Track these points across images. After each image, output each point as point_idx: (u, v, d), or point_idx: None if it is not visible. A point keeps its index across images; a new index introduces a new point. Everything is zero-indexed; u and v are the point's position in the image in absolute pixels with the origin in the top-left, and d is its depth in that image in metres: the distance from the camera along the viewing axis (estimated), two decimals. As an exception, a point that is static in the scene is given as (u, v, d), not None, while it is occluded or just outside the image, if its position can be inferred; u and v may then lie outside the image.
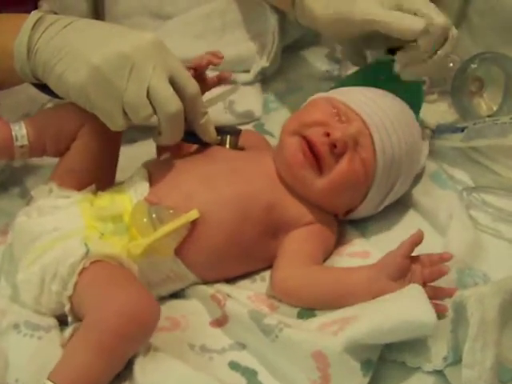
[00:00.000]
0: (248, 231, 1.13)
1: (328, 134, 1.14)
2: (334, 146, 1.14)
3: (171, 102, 1.08)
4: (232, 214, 1.12)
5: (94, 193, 1.12)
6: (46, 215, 1.09)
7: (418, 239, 1.07)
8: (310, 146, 1.15)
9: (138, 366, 0.97)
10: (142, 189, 1.13)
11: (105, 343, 0.94)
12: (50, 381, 0.92)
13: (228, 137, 1.22)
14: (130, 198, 1.11)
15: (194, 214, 1.09)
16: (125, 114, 1.08)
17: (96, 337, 0.95)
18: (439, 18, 1.20)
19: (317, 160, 1.15)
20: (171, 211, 1.08)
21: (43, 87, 1.15)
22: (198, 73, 1.27)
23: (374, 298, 1.04)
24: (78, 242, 1.04)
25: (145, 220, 1.06)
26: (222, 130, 1.21)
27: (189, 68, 1.21)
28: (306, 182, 1.16)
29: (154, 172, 1.16)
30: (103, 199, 1.11)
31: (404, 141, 1.19)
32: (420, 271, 1.06)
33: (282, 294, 1.12)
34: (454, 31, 1.24)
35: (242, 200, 1.13)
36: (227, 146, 1.21)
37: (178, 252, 1.10)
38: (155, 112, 1.08)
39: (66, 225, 1.07)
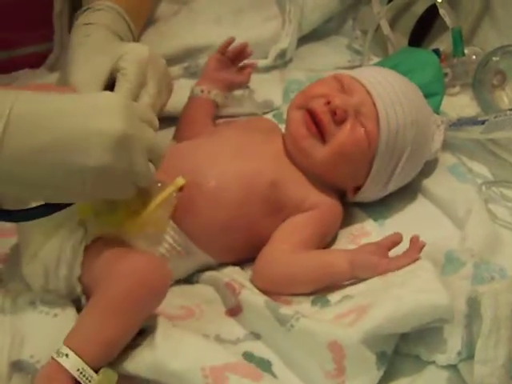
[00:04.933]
0: (252, 207, 1.15)
1: (329, 103, 1.17)
2: (334, 113, 1.17)
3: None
4: (235, 188, 1.14)
5: None
6: None
7: (397, 240, 1.10)
8: (313, 117, 1.18)
9: (160, 333, 0.98)
10: None
11: (117, 306, 0.95)
12: (66, 346, 0.93)
13: None
14: None
15: (179, 182, 1.09)
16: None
17: (108, 300, 0.96)
18: None
19: (319, 129, 1.18)
20: (159, 184, 1.07)
21: None
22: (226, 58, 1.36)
23: (351, 270, 1.08)
24: (73, 225, 1.05)
25: (133, 197, 1.03)
26: None
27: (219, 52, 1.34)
28: (309, 152, 1.18)
29: None
30: None
31: (409, 115, 1.21)
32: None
33: (261, 280, 1.12)
34: None
35: (246, 175, 1.15)
36: None
37: (179, 222, 1.12)
38: None
39: (61, 214, 1.04)
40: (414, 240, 1.09)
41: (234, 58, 1.40)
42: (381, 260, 1.08)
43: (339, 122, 1.17)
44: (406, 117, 1.20)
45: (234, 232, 1.14)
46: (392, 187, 1.24)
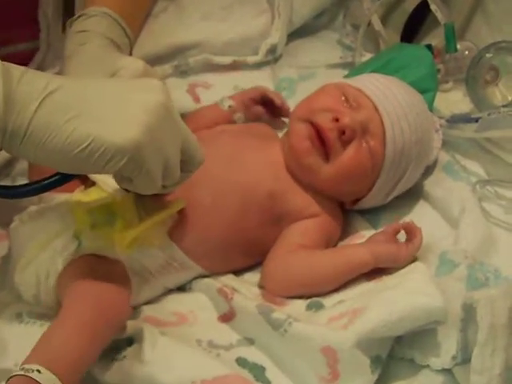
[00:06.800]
0: (250, 220, 1.13)
1: (337, 120, 1.14)
2: (342, 132, 1.13)
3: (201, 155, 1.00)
4: (232, 203, 1.13)
5: (83, 191, 1.10)
6: (38, 218, 1.08)
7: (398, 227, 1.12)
8: (318, 132, 1.14)
9: (148, 343, 0.98)
10: None
11: (84, 324, 0.94)
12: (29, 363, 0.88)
13: None
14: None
15: (179, 204, 1.08)
16: None
17: (77, 322, 0.94)
18: None
19: (324, 146, 1.14)
20: (158, 202, 1.06)
21: None
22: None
23: (374, 261, 1.08)
24: (69, 236, 1.05)
25: (131, 211, 1.04)
26: None
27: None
28: (312, 169, 1.15)
29: None
30: (93, 193, 1.08)
31: (415, 130, 1.19)
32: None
33: (271, 282, 1.11)
34: None
35: (242, 188, 1.13)
36: None
37: (176, 239, 1.10)
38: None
39: (57, 223, 1.06)
40: (411, 226, 1.11)
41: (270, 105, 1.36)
42: (399, 249, 1.08)
43: (346, 142, 1.14)
44: (412, 134, 1.18)
45: (231, 245, 1.13)
46: (392, 197, 1.23)
